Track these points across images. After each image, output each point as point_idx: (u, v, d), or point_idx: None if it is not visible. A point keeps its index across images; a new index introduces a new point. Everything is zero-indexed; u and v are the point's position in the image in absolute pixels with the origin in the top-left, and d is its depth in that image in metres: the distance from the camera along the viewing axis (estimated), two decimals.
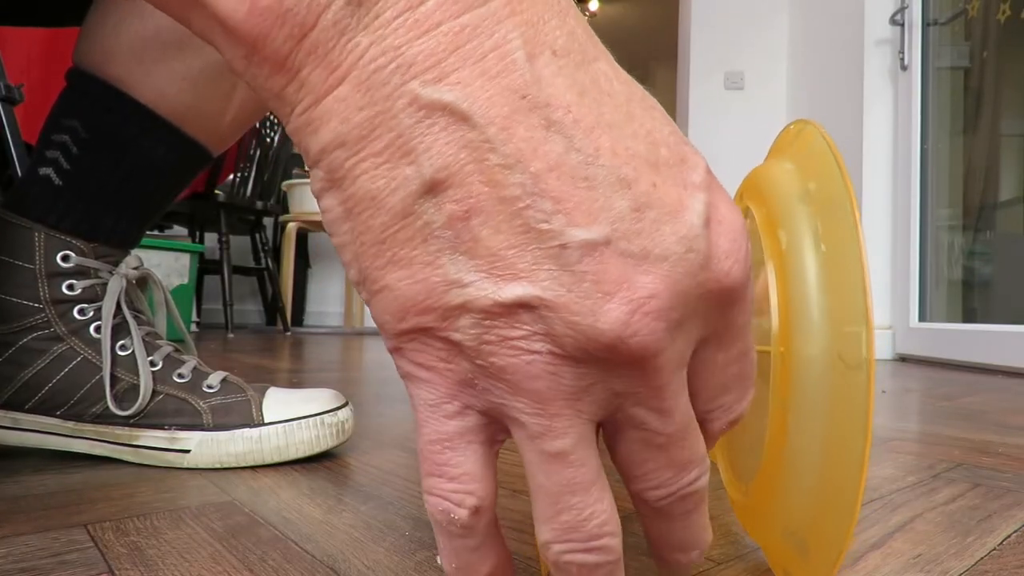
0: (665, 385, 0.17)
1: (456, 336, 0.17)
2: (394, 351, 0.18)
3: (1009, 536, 0.36)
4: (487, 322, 0.16)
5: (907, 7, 2.03)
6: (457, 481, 0.18)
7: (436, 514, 0.19)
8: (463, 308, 0.16)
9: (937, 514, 0.40)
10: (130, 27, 0.44)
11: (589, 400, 0.17)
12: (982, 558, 0.33)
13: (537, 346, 0.16)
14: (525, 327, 0.16)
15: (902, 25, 2.05)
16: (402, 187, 0.16)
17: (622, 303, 0.16)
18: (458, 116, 0.15)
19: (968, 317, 1.91)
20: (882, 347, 2.05)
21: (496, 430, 0.19)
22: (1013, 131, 1.88)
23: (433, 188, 0.16)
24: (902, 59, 2.03)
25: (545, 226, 0.16)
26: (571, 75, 0.16)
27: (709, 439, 0.21)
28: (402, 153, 0.16)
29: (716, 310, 0.18)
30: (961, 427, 0.74)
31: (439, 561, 0.20)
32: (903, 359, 1.98)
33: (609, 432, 0.19)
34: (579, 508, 0.18)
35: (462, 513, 0.18)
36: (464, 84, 0.15)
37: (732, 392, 0.20)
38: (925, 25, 2.03)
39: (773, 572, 0.30)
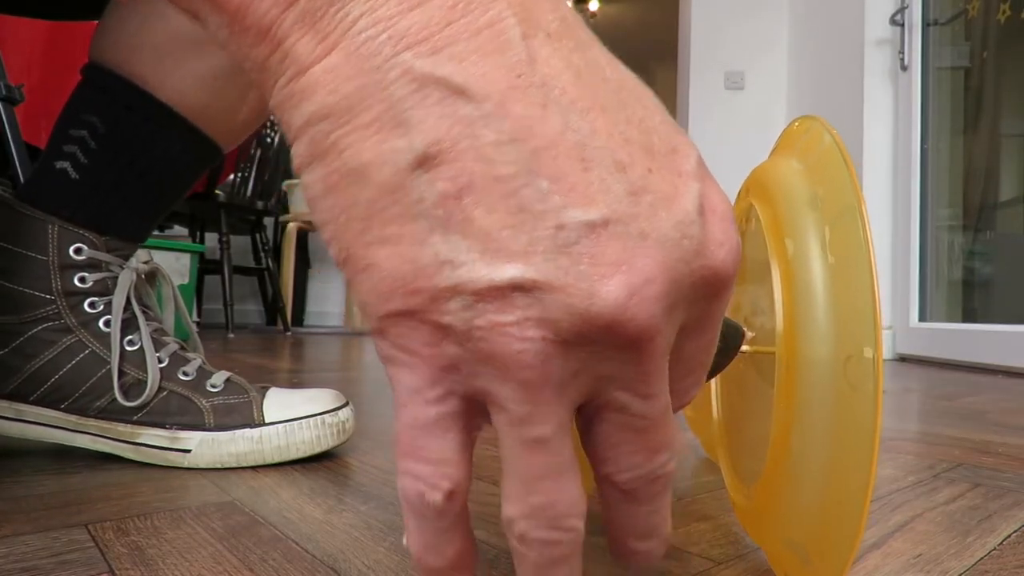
0: (654, 370, 0.17)
1: (445, 319, 0.16)
2: (376, 333, 0.18)
3: (1009, 536, 0.36)
4: (479, 305, 0.15)
5: (907, 7, 2.03)
6: (433, 465, 0.18)
7: (410, 495, 0.18)
8: (454, 290, 0.16)
9: (937, 514, 0.40)
10: (153, 27, 0.45)
11: (575, 386, 0.17)
12: (982, 558, 0.33)
13: (530, 332, 0.16)
14: (518, 311, 0.15)
15: (902, 25, 2.05)
16: (391, 161, 0.15)
17: (620, 286, 0.15)
18: (453, 90, 0.15)
19: (968, 317, 1.91)
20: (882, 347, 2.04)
21: (476, 414, 0.18)
22: (1013, 131, 1.88)
23: (425, 162, 0.15)
24: (902, 59, 2.03)
25: (540, 206, 0.15)
26: (566, 57, 0.16)
27: None
28: (393, 124, 0.15)
29: (702, 299, 0.18)
30: (961, 427, 0.74)
31: (404, 542, 0.20)
32: (903, 359, 1.98)
33: (585, 415, 0.19)
34: (550, 492, 0.17)
35: (436, 496, 0.18)
36: (459, 59, 0.15)
37: (690, 377, 0.20)
38: (925, 25, 2.03)
39: (773, 572, 0.30)
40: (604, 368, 0.17)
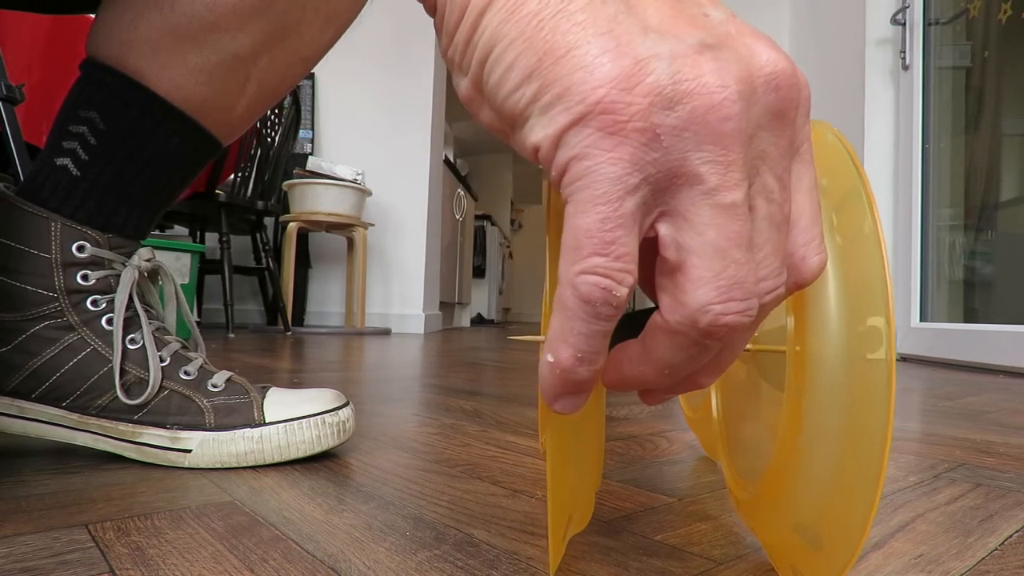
0: (797, 150, 0.20)
1: (650, 80, 0.17)
2: (573, 126, 0.18)
3: (1011, 536, 0.36)
4: (679, 62, 0.17)
5: (908, 7, 2.03)
6: (622, 260, 0.18)
7: (595, 294, 0.18)
8: (656, 56, 0.18)
9: (938, 514, 0.40)
10: (149, 21, 0.45)
11: (750, 153, 0.18)
12: (983, 558, 0.33)
13: (729, 80, 0.17)
14: (712, 63, 0.18)
15: (903, 25, 2.05)
16: None
17: (776, 52, 0.19)
18: None
19: (969, 317, 1.91)
20: None
21: (651, 209, 0.19)
22: (1014, 131, 1.87)
23: None
24: (903, 59, 2.03)
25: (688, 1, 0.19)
26: None
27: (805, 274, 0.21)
28: None
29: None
30: (962, 427, 0.74)
31: (549, 358, 0.20)
32: (904, 359, 1.98)
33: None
34: (742, 263, 0.18)
35: (623, 292, 0.18)
36: None
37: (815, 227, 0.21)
38: (926, 25, 2.03)
39: (776, 571, 0.30)
40: (761, 140, 0.19)
